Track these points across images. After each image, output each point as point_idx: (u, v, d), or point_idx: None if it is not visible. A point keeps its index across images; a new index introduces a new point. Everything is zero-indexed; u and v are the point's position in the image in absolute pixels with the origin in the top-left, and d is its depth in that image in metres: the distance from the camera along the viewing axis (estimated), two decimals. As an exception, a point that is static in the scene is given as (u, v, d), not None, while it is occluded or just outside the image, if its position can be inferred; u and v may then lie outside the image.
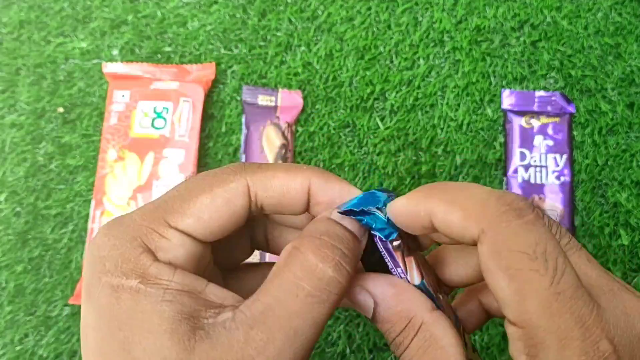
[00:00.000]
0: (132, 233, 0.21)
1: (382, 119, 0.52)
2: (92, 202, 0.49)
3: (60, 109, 0.52)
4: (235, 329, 0.19)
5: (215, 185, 0.22)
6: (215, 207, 0.21)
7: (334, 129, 0.52)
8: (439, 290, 0.24)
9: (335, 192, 0.23)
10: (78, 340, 0.47)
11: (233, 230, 0.22)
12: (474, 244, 0.20)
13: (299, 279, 0.20)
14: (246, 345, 0.18)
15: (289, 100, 0.52)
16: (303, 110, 0.52)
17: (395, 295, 0.22)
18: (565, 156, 0.50)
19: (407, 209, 0.22)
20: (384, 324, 0.22)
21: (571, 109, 0.51)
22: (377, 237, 0.23)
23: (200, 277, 0.21)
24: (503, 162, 0.51)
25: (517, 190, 0.49)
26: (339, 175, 0.50)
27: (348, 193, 0.23)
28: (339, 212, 0.22)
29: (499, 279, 0.18)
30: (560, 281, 0.18)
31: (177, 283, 0.20)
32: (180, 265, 0.21)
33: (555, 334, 0.17)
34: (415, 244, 0.25)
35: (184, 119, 0.50)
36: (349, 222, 0.22)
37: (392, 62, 0.53)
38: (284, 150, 0.50)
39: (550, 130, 0.50)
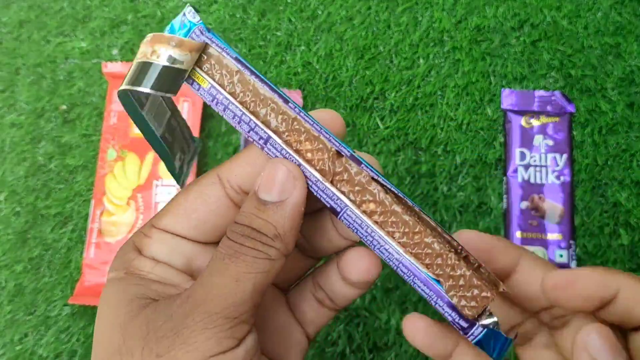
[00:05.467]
0: (131, 237, 0.24)
1: (382, 119, 0.52)
2: (92, 202, 0.49)
3: (63, 107, 0.52)
4: (177, 297, 0.21)
5: (190, 186, 0.23)
6: (188, 201, 0.23)
7: (334, 128, 0.52)
8: None
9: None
10: (78, 340, 0.47)
11: (226, 224, 0.23)
12: None
13: (219, 253, 0.21)
14: (180, 308, 0.20)
15: (289, 100, 0.52)
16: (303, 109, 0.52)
17: None
18: (565, 156, 0.50)
19: (597, 281, 0.22)
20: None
21: (571, 108, 0.51)
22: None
23: (184, 274, 0.23)
24: (503, 161, 0.51)
25: (517, 189, 0.49)
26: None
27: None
28: None
29: None
30: None
31: (155, 275, 0.22)
32: (164, 261, 0.23)
33: None
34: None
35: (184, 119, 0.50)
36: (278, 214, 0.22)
37: (391, 61, 0.53)
38: (283, 150, 0.50)
39: (550, 130, 0.50)
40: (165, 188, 0.49)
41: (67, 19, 0.55)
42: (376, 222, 0.21)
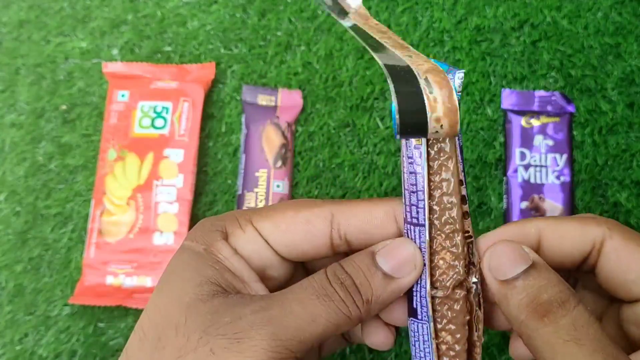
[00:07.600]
0: (221, 218, 0.24)
1: (382, 119, 0.52)
2: (92, 202, 0.49)
3: (63, 107, 0.52)
4: (252, 302, 0.21)
5: (302, 207, 0.24)
6: (295, 222, 0.23)
7: (334, 128, 0.52)
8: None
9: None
10: (78, 340, 0.47)
11: (312, 257, 0.24)
12: (582, 257, 0.22)
13: (310, 285, 0.22)
14: (251, 316, 0.21)
15: (289, 100, 0.52)
16: (303, 109, 0.52)
17: None
18: (565, 156, 0.50)
19: (515, 229, 0.22)
20: None
21: (571, 108, 0.51)
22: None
23: (254, 273, 0.23)
24: (503, 161, 0.51)
25: (517, 190, 0.49)
26: (339, 176, 0.50)
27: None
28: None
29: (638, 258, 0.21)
30: None
31: (231, 264, 0.23)
32: (244, 257, 0.24)
33: None
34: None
35: (184, 119, 0.50)
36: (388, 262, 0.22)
37: (392, 61, 0.53)
38: (283, 150, 0.50)
39: (550, 130, 0.50)
40: (165, 188, 0.49)
41: (67, 19, 0.55)
42: (438, 350, 0.22)
